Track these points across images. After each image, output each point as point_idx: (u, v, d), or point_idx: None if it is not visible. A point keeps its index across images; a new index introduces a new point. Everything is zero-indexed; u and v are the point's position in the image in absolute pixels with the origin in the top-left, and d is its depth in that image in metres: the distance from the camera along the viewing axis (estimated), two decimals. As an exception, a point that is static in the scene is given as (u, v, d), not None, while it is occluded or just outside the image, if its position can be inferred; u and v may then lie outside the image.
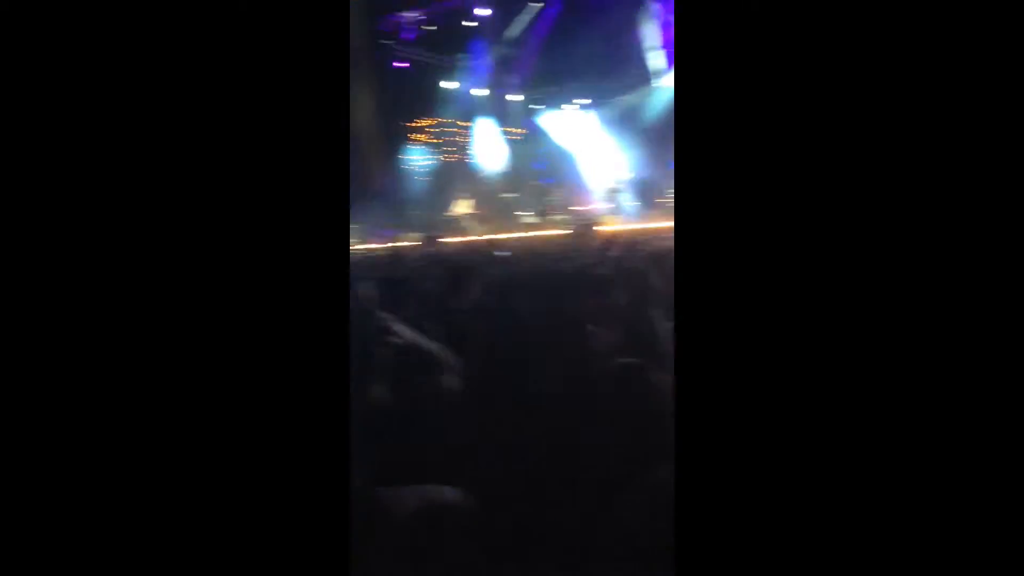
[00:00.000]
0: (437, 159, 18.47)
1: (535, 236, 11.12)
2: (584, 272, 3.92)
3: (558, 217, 13.70)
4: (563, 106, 16.62)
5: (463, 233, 13.56)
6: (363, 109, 15.62)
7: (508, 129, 18.04)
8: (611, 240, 6.35)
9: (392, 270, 3.33)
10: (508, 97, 17.92)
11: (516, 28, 16.70)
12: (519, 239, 10.67)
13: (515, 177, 16.16)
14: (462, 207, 14.93)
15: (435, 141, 18.47)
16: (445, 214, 15.20)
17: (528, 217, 13.99)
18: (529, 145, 17.37)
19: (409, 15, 16.03)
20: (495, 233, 12.61)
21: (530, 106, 17.33)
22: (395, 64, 16.76)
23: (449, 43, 17.16)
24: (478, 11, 16.03)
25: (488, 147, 17.82)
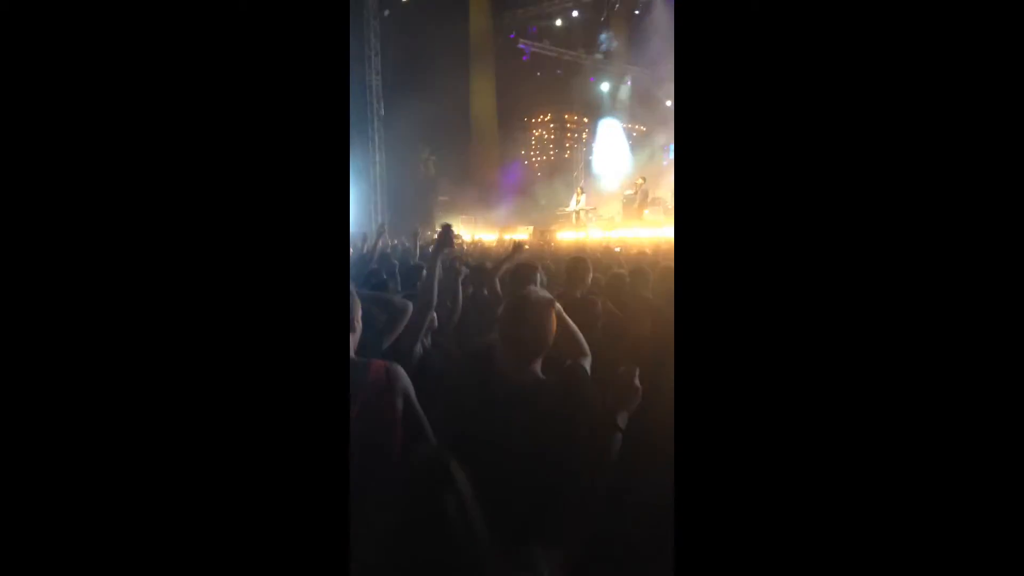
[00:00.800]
0: (557, 153, 18.20)
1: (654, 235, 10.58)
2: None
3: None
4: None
5: (579, 228, 13.23)
6: (483, 102, 15.63)
7: (632, 125, 17.49)
8: None
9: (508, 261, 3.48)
10: (631, 90, 17.33)
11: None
12: (635, 237, 10.21)
13: (639, 171, 15.57)
14: (579, 202, 14.55)
15: (556, 135, 18.23)
16: (562, 209, 14.91)
17: (648, 214, 13.37)
18: (651, 139, 16.70)
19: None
20: (611, 229, 12.20)
21: (666, 101, 16.61)
22: (524, 58, 16.63)
23: (576, 36, 16.84)
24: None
25: (610, 142, 17.36)
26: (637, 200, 13.31)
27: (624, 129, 17.35)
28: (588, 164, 17.60)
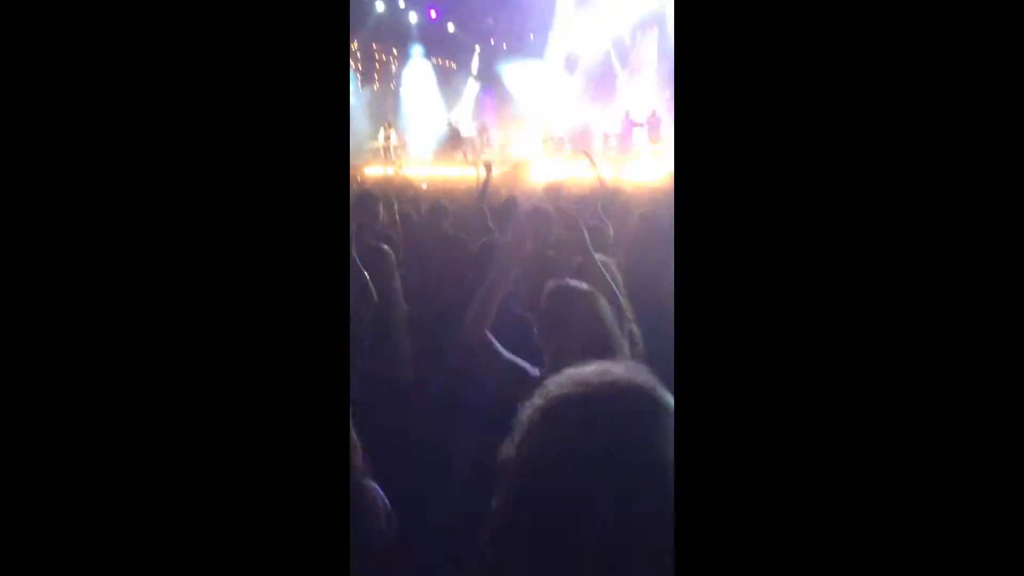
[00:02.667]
0: (365, 85, 17.60)
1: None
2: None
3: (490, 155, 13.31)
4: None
5: (387, 164, 13.08)
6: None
7: (441, 60, 17.33)
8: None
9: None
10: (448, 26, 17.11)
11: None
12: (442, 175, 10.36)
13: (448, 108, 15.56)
14: (388, 137, 14.31)
15: (363, 66, 17.55)
16: (371, 144, 14.59)
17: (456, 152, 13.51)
18: (461, 77, 16.74)
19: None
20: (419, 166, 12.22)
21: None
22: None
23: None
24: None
25: (420, 77, 17.10)
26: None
27: (435, 63, 17.15)
28: (398, 98, 17.23)
